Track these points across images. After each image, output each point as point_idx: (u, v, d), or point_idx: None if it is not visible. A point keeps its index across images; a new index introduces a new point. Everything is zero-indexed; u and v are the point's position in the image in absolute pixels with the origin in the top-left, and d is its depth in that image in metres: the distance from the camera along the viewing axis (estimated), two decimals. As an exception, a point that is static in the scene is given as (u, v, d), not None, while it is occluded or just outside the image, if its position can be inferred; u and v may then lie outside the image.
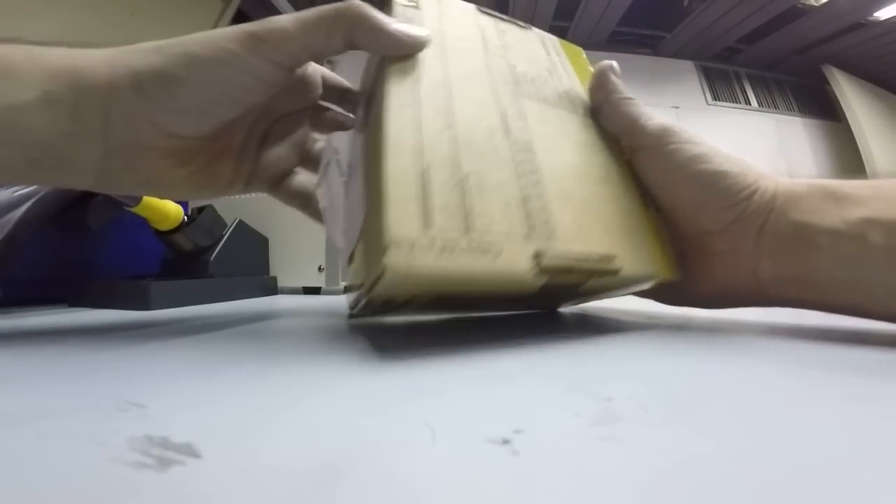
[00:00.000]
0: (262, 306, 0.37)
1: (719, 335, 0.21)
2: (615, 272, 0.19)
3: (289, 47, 0.19)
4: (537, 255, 0.17)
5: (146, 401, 0.11)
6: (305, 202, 0.27)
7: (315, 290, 0.51)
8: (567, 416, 0.10)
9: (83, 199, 0.36)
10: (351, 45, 0.20)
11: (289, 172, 0.26)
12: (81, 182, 0.19)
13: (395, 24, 0.19)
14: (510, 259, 0.16)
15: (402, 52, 0.19)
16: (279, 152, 0.25)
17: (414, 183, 0.15)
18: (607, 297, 0.25)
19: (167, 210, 0.38)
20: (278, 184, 0.26)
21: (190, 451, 0.08)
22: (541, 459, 0.08)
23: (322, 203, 0.24)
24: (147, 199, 0.36)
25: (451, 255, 0.15)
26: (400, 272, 0.14)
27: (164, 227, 0.39)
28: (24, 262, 0.36)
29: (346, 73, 0.27)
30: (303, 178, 0.27)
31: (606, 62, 0.25)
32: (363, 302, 0.17)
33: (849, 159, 2.35)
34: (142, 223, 0.39)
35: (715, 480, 0.08)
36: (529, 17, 2.05)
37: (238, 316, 0.30)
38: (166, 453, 0.08)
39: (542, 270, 0.17)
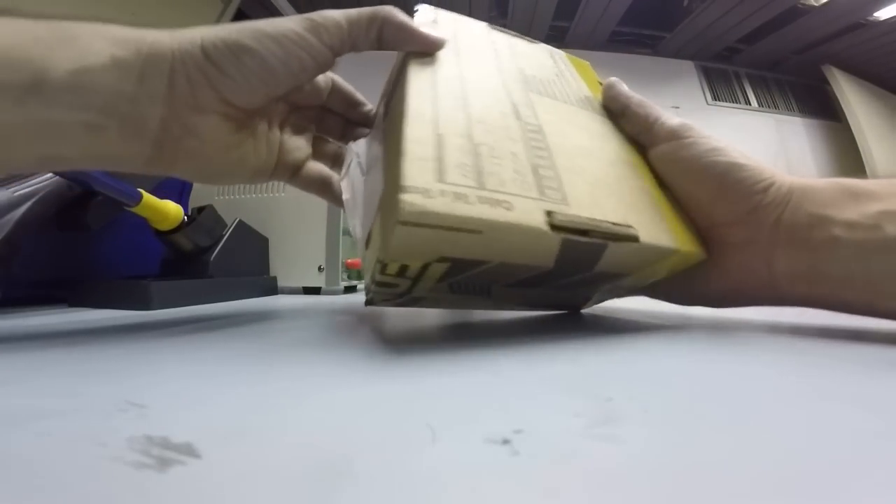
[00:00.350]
0: (262, 306, 0.37)
1: (720, 335, 0.21)
2: (634, 238, 0.19)
3: (339, 34, 0.22)
4: (549, 213, 0.17)
5: (146, 401, 0.11)
6: (324, 188, 0.29)
7: (315, 290, 0.51)
8: (567, 416, 0.10)
9: (83, 199, 0.36)
10: (381, 41, 0.23)
11: (305, 161, 0.28)
12: (139, 151, 0.20)
13: (420, 25, 0.23)
14: (523, 213, 0.16)
15: (424, 49, 0.23)
16: (297, 142, 0.27)
17: (430, 145, 0.17)
18: (632, 285, 0.24)
19: (167, 210, 0.38)
20: (298, 171, 0.28)
21: (190, 451, 0.08)
22: (541, 459, 0.08)
23: (345, 195, 0.27)
24: (147, 198, 0.36)
25: (464, 203, 0.15)
26: (415, 212, 0.14)
27: (164, 227, 0.39)
28: (24, 262, 0.36)
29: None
30: (318, 166, 0.29)
31: (614, 78, 0.28)
32: (377, 276, 0.17)
33: (849, 159, 2.35)
34: (142, 223, 0.39)
35: (715, 480, 0.08)
36: (529, 17, 2.04)
37: (238, 316, 0.30)
38: (166, 453, 0.08)
39: (556, 227, 0.17)
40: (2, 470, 0.08)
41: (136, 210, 0.36)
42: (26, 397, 0.12)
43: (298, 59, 0.21)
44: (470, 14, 0.29)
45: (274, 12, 1.99)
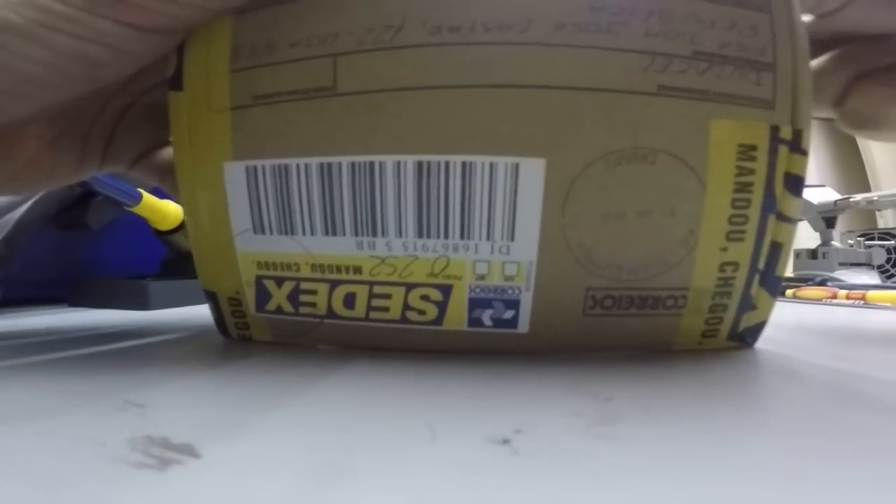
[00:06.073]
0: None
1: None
2: None
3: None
4: None
5: (146, 401, 0.11)
6: (163, 175, 0.22)
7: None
8: (567, 416, 0.10)
9: (83, 199, 0.36)
10: None
11: (152, 149, 0.21)
12: None
13: None
14: None
15: None
16: (143, 131, 0.20)
17: None
18: None
19: (167, 210, 0.38)
20: (137, 161, 0.21)
21: (190, 451, 0.08)
22: (541, 459, 0.08)
23: None
24: (147, 198, 0.36)
25: None
26: None
27: (164, 227, 0.39)
28: (24, 262, 0.36)
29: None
30: (168, 151, 0.21)
31: None
32: None
33: (849, 159, 2.35)
34: (142, 223, 0.39)
35: (715, 481, 0.08)
36: (529, 17, 2.04)
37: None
38: (166, 453, 0.08)
39: None
40: (2, 470, 0.08)
41: (135, 210, 0.36)
42: (26, 397, 0.12)
43: (82, 58, 0.13)
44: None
45: (274, 12, 1.97)
